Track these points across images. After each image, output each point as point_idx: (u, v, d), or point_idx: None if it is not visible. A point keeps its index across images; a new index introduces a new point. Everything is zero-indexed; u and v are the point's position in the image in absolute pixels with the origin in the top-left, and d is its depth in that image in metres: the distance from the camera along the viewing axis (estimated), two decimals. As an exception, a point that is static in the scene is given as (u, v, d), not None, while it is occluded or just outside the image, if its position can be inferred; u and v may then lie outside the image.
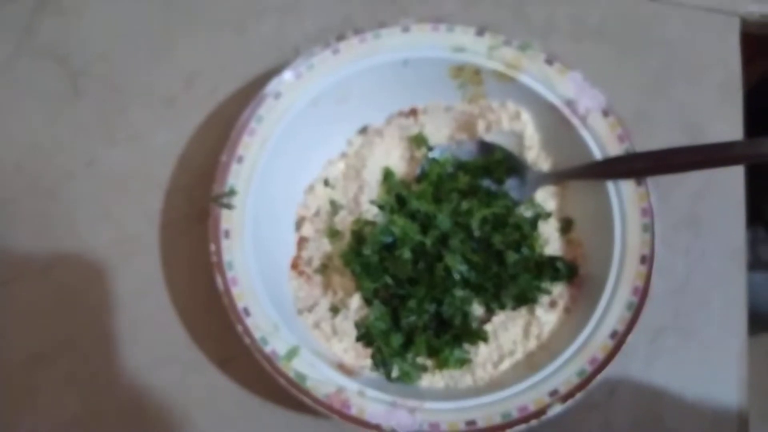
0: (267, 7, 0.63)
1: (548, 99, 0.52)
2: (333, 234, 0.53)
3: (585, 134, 0.51)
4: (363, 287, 0.50)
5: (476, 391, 0.47)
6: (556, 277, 0.52)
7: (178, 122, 0.59)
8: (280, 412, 0.52)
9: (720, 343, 0.54)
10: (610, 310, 0.47)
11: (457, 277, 0.50)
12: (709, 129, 0.59)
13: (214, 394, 0.53)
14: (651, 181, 0.50)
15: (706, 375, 0.54)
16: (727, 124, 0.59)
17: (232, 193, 0.49)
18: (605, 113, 0.51)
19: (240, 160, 0.50)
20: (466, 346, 0.50)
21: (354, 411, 0.45)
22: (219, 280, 0.47)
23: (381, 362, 0.50)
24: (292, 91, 0.52)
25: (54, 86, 0.60)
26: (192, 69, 0.60)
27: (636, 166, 0.49)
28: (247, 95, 0.53)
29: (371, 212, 0.53)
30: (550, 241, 0.53)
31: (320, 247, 0.53)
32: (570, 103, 0.52)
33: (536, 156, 0.55)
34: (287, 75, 0.52)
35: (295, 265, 0.53)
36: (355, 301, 0.51)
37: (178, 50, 0.61)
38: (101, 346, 0.53)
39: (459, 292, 0.50)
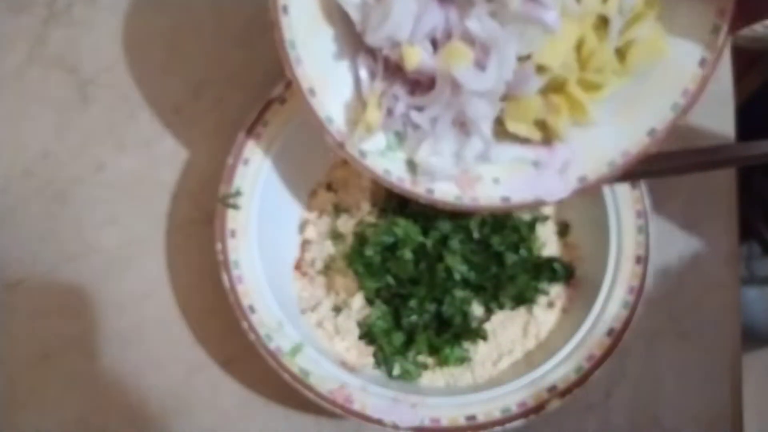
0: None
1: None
2: (335, 236, 0.55)
3: None
4: (365, 287, 0.52)
5: (476, 388, 0.48)
6: (553, 278, 0.53)
7: (185, 129, 0.60)
8: (282, 412, 0.53)
9: (714, 346, 0.55)
10: (607, 308, 0.48)
11: (457, 277, 0.51)
12: (701, 143, 0.60)
13: (218, 394, 0.53)
14: (644, 186, 0.51)
15: (702, 377, 0.55)
16: (719, 139, 0.60)
17: (238, 193, 0.51)
18: None
19: (246, 162, 0.51)
20: (466, 344, 0.51)
21: (357, 406, 0.46)
22: (225, 278, 0.48)
23: (382, 360, 0.51)
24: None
25: (64, 95, 0.61)
26: (198, 79, 0.62)
27: (630, 169, 0.50)
28: (253, 104, 0.55)
29: (373, 215, 0.54)
30: (548, 243, 0.54)
31: (323, 249, 0.54)
32: None
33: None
34: None
35: (298, 267, 0.55)
36: (357, 301, 0.52)
37: (185, 61, 0.63)
38: (106, 346, 0.54)
39: (459, 293, 0.51)
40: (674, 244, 0.57)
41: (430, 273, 0.51)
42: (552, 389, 0.46)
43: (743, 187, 0.59)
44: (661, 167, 0.49)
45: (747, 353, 0.58)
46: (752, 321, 1.02)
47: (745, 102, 0.72)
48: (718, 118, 0.61)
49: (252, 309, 0.48)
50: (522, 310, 0.52)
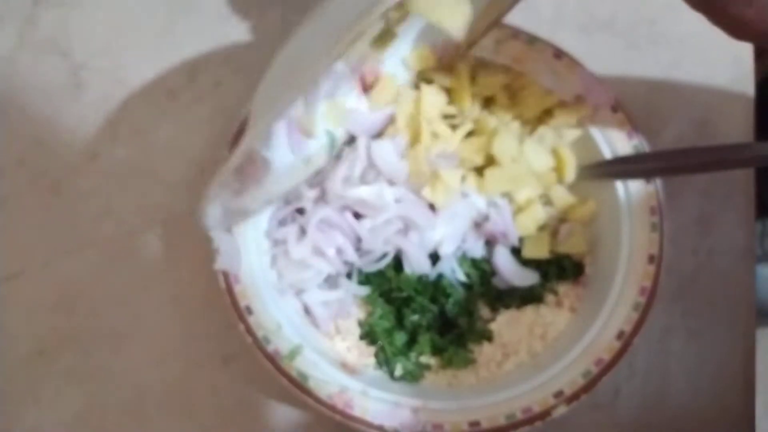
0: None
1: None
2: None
3: (593, 130, 0.50)
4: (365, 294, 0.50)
5: (480, 391, 0.47)
6: (562, 275, 0.51)
7: (181, 116, 0.58)
8: (282, 409, 0.52)
9: (727, 343, 0.54)
10: (617, 310, 0.47)
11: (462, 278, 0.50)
12: (719, 125, 0.58)
13: (217, 391, 0.52)
14: (659, 182, 0.49)
15: (713, 375, 0.53)
16: (738, 120, 0.58)
17: None
18: (614, 109, 0.50)
19: None
20: (470, 345, 0.50)
21: (357, 411, 0.45)
22: (221, 279, 0.47)
23: (384, 361, 0.50)
24: None
25: (56, 80, 0.59)
26: (195, 62, 0.59)
27: (646, 167, 0.48)
28: (251, 88, 0.52)
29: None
30: None
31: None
32: (578, 99, 0.51)
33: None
34: None
35: (297, 263, 0.53)
36: (359, 299, 0.51)
37: (181, 43, 0.60)
38: (103, 341, 0.53)
39: (463, 292, 0.50)
40: (688, 237, 0.55)
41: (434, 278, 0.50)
42: (558, 394, 0.45)
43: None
44: (677, 165, 0.47)
45: (760, 329, 0.57)
46: (766, 299, 1.01)
47: (764, 81, 0.69)
48: (738, 95, 0.59)
49: (249, 310, 0.46)
50: (528, 310, 0.51)
